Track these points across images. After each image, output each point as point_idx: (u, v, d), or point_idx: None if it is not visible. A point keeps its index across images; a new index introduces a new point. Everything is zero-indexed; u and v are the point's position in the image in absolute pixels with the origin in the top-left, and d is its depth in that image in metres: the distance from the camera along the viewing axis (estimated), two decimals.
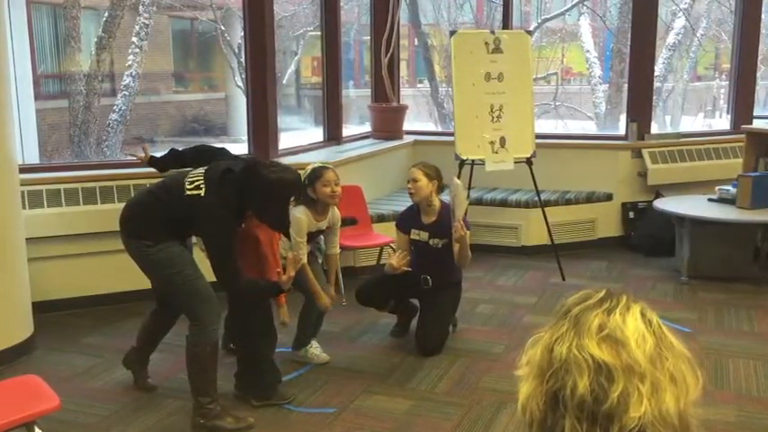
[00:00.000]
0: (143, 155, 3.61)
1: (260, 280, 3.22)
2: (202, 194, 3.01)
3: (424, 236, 4.03)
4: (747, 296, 4.86)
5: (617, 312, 0.89)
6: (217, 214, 2.99)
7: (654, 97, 9.44)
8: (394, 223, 4.26)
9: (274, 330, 3.44)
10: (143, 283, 3.37)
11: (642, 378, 0.82)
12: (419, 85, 11.40)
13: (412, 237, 4.06)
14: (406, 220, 4.13)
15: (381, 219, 5.35)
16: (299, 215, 3.63)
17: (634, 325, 0.88)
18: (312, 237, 3.76)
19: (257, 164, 3.17)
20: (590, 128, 10.99)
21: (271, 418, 3.28)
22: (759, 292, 4.96)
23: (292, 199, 3.27)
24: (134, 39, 8.79)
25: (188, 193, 3.03)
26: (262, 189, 3.03)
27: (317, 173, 3.67)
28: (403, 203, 5.79)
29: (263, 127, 5.21)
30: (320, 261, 4.00)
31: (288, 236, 3.51)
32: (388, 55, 6.33)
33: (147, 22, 8.86)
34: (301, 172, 3.59)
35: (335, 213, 3.85)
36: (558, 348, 0.88)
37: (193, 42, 11.84)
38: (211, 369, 3.15)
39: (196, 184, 3.04)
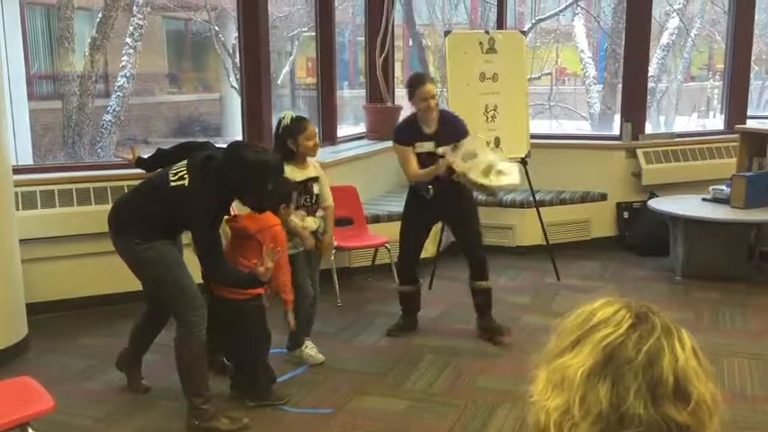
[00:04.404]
0: (131, 156, 3.62)
1: (243, 270, 3.19)
2: (186, 183, 3.03)
3: (429, 146, 3.89)
4: (741, 295, 4.87)
5: (680, 357, 0.82)
6: (201, 201, 3.00)
7: (648, 97, 9.48)
8: (398, 145, 3.98)
9: (268, 331, 3.43)
10: (136, 284, 3.36)
11: (710, 424, 0.82)
12: None
13: (417, 150, 3.89)
14: (405, 134, 3.96)
15: (376, 219, 5.34)
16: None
17: (695, 368, 0.83)
18: (305, 187, 3.71)
19: (239, 145, 3.21)
20: (584, 128, 11.01)
21: (266, 418, 3.28)
22: (753, 291, 4.97)
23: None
24: (128, 39, 8.76)
25: (172, 184, 3.05)
26: (241, 170, 3.04)
27: (301, 125, 3.65)
28: (399, 203, 5.80)
29: (257, 128, 5.20)
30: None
31: (275, 211, 3.42)
32: (383, 55, 6.33)
33: (140, 22, 8.83)
34: (281, 117, 3.67)
35: (316, 164, 3.86)
36: (635, 410, 0.80)
37: (187, 43, 11.81)
38: (200, 369, 3.15)
39: (180, 174, 3.06)
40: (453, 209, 4.06)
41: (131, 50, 8.76)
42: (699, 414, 0.81)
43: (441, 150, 3.84)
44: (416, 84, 3.90)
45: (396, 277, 4.45)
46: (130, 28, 8.79)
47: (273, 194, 3.18)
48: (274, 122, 5.48)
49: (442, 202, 3.99)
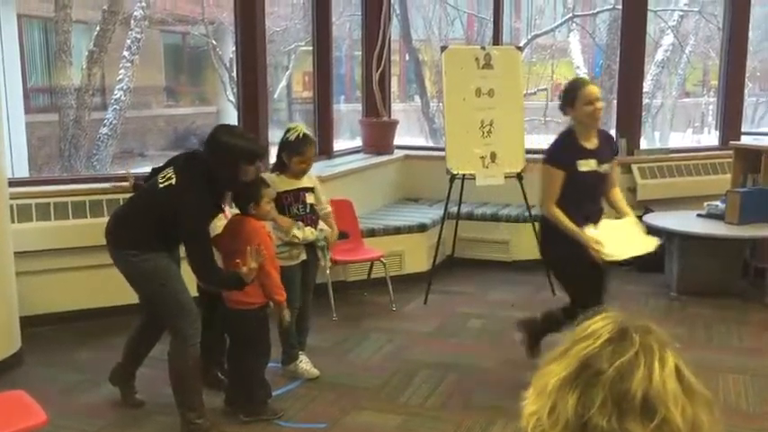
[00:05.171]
0: (127, 184, 3.66)
1: (228, 270, 3.17)
2: (174, 183, 3.05)
3: (593, 163, 3.36)
4: (736, 311, 4.88)
5: (655, 376, 0.81)
6: (191, 196, 3.02)
7: (643, 113, 9.52)
8: (549, 166, 3.34)
9: (267, 345, 3.42)
10: (132, 297, 3.36)
11: None
12: (412, 102, 11.45)
13: (581, 169, 3.32)
14: (565, 153, 3.36)
15: (372, 233, 5.35)
16: (269, 177, 3.66)
17: (674, 390, 0.81)
18: (296, 197, 3.71)
19: (219, 127, 3.21)
20: None
21: None
22: (748, 307, 4.97)
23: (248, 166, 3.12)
24: (125, 53, 8.79)
25: (161, 187, 3.07)
26: (215, 151, 3.07)
27: (300, 148, 3.63)
28: (395, 217, 5.83)
29: None
30: (323, 263, 3.99)
31: (254, 200, 3.35)
32: (379, 70, 6.36)
33: (138, 36, 8.86)
34: (291, 127, 3.67)
35: (311, 175, 3.86)
36: (596, 422, 0.80)
37: (185, 57, 11.85)
38: (195, 383, 3.14)
39: (167, 176, 3.09)
40: None
41: (128, 64, 8.79)
42: None
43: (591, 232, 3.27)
44: (578, 86, 3.40)
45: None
46: (128, 41, 8.82)
47: (249, 181, 3.18)
48: (270, 136, 5.54)
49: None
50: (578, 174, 3.31)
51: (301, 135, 3.66)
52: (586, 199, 3.38)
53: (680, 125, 12.57)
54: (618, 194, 3.60)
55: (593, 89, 3.36)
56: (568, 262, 3.37)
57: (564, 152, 3.38)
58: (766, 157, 5.47)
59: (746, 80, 6.83)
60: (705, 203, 5.44)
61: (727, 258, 5.26)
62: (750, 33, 6.79)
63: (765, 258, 5.09)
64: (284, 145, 3.69)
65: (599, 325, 0.88)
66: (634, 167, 6.07)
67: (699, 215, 5.41)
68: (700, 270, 5.16)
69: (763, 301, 4.98)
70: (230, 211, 3.51)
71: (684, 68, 12.26)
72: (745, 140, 6.35)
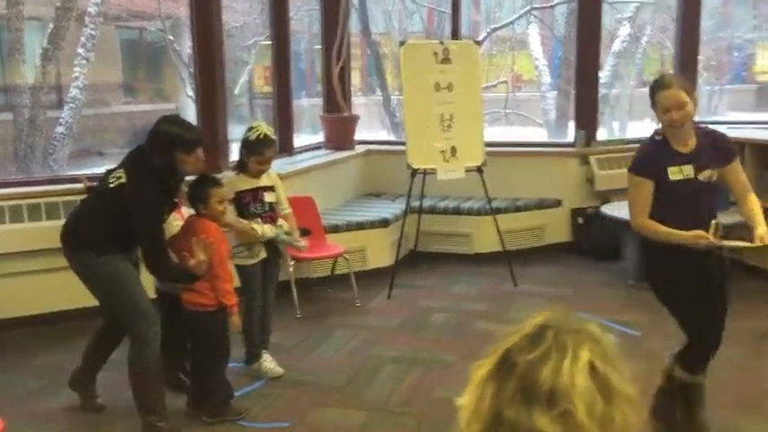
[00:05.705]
0: (82, 187, 3.62)
1: (182, 264, 3.14)
2: (124, 181, 3.02)
3: (689, 170, 2.81)
4: None
5: (564, 370, 0.84)
6: (140, 196, 3.00)
7: (601, 104, 9.64)
8: (633, 175, 2.90)
9: (227, 345, 3.41)
10: (91, 300, 3.31)
11: None
12: (374, 96, 11.44)
13: (672, 178, 2.81)
14: (651, 161, 2.86)
15: (335, 229, 5.35)
16: (227, 177, 3.69)
17: (584, 385, 0.83)
18: (255, 196, 3.70)
19: (161, 118, 3.18)
20: (541, 135, 11.16)
21: None
22: None
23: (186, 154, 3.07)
24: (80, 50, 8.62)
25: (111, 186, 3.05)
26: (152, 140, 3.07)
27: (259, 149, 3.63)
28: (358, 212, 5.84)
29: (212, 138, 5.15)
30: (281, 259, 4.01)
31: (201, 199, 3.32)
32: (339, 65, 6.34)
33: (93, 32, 8.69)
34: (253, 126, 3.67)
35: (272, 174, 3.85)
36: (508, 413, 0.84)
37: (142, 53, 11.66)
38: (155, 386, 3.12)
39: (117, 175, 3.07)
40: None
41: (84, 61, 8.62)
42: (567, 426, 0.81)
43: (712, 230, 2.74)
44: (655, 89, 2.87)
45: (682, 364, 3.07)
46: (83, 38, 8.65)
47: (197, 180, 3.21)
48: (231, 132, 5.49)
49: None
50: (670, 184, 2.82)
51: (262, 135, 3.65)
52: (686, 213, 2.82)
53: (639, 114, 12.77)
54: (752, 203, 2.89)
55: (671, 94, 2.79)
56: (676, 285, 2.88)
57: (649, 158, 2.89)
58: None
59: (701, 70, 6.97)
60: None
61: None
62: (703, 23, 6.91)
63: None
64: (244, 144, 3.69)
65: (528, 322, 0.92)
66: (592, 158, 6.16)
67: None
68: None
69: None
70: (187, 211, 3.49)
71: (642, 59, 12.44)
72: None
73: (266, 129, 3.71)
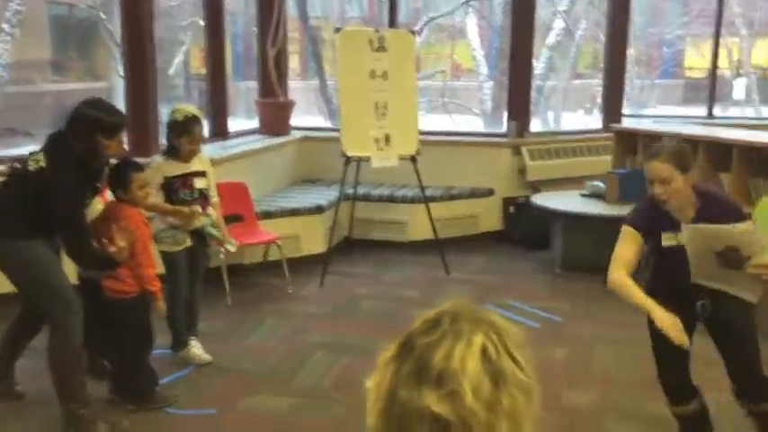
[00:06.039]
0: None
1: (103, 251, 3.08)
2: (44, 165, 2.94)
3: (683, 237, 2.65)
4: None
5: (456, 354, 0.88)
6: (59, 180, 2.92)
7: (536, 95, 9.81)
8: (626, 226, 2.73)
9: (150, 332, 3.37)
10: (8, 286, 3.21)
11: (478, 425, 0.85)
12: (313, 81, 11.34)
13: (665, 243, 2.69)
14: (647, 217, 2.71)
15: (268, 215, 5.32)
16: (156, 161, 3.66)
17: (473, 369, 0.87)
18: (184, 182, 3.65)
19: (83, 100, 3.09)
20: (478, 124, 11.30)
21: (148, 421, 3.22)
22: None
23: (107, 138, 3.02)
24: (4, 25, 8.28)
25: (31, 169, 2.96)
26: (71, 124, 2.99)
27: (187, 128, 3.60)
28: (292, 199, 5.81)
29: (142, 120, 5.04)
30: (212, 245, 3.99)
31: (121, 184, 3.27)
32: (275, 48, 6.28)
33: (19, 8, 8.36)
34: (177, 108, 3.64)
35: (204, 158, 3.82)
36: (401, 393, 0.88)
37: (72, 30, 11.27)
38: (76, 373, 3.07)
39: (36, 159, 2.98)
40: (723, 316, 2.76)
41: (8, 37, 8.29)
42: (455, 407, 0.85)
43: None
44: (645, 156, 2.76)
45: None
46: (7, 13, 8.30)
47: (117, 165, 3.15)
48: (163, 114, 5.38)
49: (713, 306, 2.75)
50: (661, 247, 2.70)
51: (190, 115, 3.61)
52: (677, 273, 2.68)
53: (572, 106, 13.06)
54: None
55: (653, 166, 2.61)
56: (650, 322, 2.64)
57: (645, 214, 2.71)
58: (643, 139, 5.79)
59: (633, 64, 7.17)
60: (587, 183, 5.71)
61: (607, 236, 5.50)
62: (635, 18, 7.10)
63: None
64: (171, 126, 3.62)
65: (434, 309, 0.96)
66: (524, 149, 6.29)
67: (582, 195, 5.67)
68: (581, 247, 5.42)
69: (639, 276, 5.28)
70: (111, 195, 3.42)
71: (576, 52, 12.71)
72: (627, 123, 6.69)
73: (191, 108, 3.68)
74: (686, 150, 2.68)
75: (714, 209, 2.64)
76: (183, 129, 3.59)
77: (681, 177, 2.57)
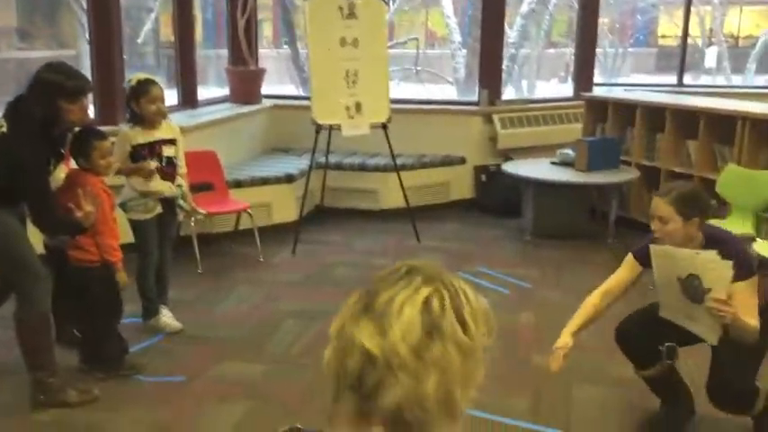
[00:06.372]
0: None
1: (69, 217, 3.02)
2: (5, 131, 2.89)
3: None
4: (584, 253, 5.24)
5: (399, 298, 0.91)
6: (22, 146, 2.86)
7: (510, 64, 9.79)
8: (629, 254, 2.82)
9: (119, 300, 3.36)
10: None
11: (401, 368, 0.87)
12: (285, 49, 11.21)
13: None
14: (645, 252, 2.73)
15: (238, 184, 5.30)
16: (123, 130, 3.63)
17: (409, 314, 0.89)
18: (152, 150, 3.61)
19: (45, 65, 3.02)
20: (451, 93, 11.28)
21: (118, 389, 3.23)
22: (594, 248, 5.35)
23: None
24: None
25: None
26: (32, 88, 2.93)
27: (143, 88, 3.55)
28: (263, 168, 5.78)
29: (108, 87, 4.95)
30: (181, 218, 4.00)
31: (81, 153, 3.24)
32: (245, 15, 6.20)
33: None
34: (131, 78, 3.60)
35: (174, 126, 3.79)
36: (347, 327, 0.93)
37: None
38: (44, 342, 3.05)
39: None
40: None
41: None
42: (381, 343, 0.88)
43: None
44: (656, 194, 2.76)
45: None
46: None
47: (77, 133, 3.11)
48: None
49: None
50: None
51: (143, 78, 3.59)
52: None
53: (546, 75, 13.08)
54: (740, 322, 2.52)
55: (654, 203, 2.67)
56: None
57: (643, 251, 2.74)
58: (612, 107, 5.84)
59: (606, 32, 7.18)
60: (558, 151, 5.76)
61: (576, 203, 5.62)
62: None
63: (609, 203, 5.47)
64: (129, 94, 3.58)
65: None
66: (495, 117, 6.30)
67: (552, 163, 5.72)
68: (551, 214, 5.48)
69: (606, 243, 5.38)
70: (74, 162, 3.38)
71: (550, 20, 12.69)
72: (597, 91, 6.73)
73: (145, 74, 3.67)
74: (697, 197, 2.66)
75: (725, 251, 2.54)
76: (138, 91, 3.55)
77: (680, 221, 2.59)
